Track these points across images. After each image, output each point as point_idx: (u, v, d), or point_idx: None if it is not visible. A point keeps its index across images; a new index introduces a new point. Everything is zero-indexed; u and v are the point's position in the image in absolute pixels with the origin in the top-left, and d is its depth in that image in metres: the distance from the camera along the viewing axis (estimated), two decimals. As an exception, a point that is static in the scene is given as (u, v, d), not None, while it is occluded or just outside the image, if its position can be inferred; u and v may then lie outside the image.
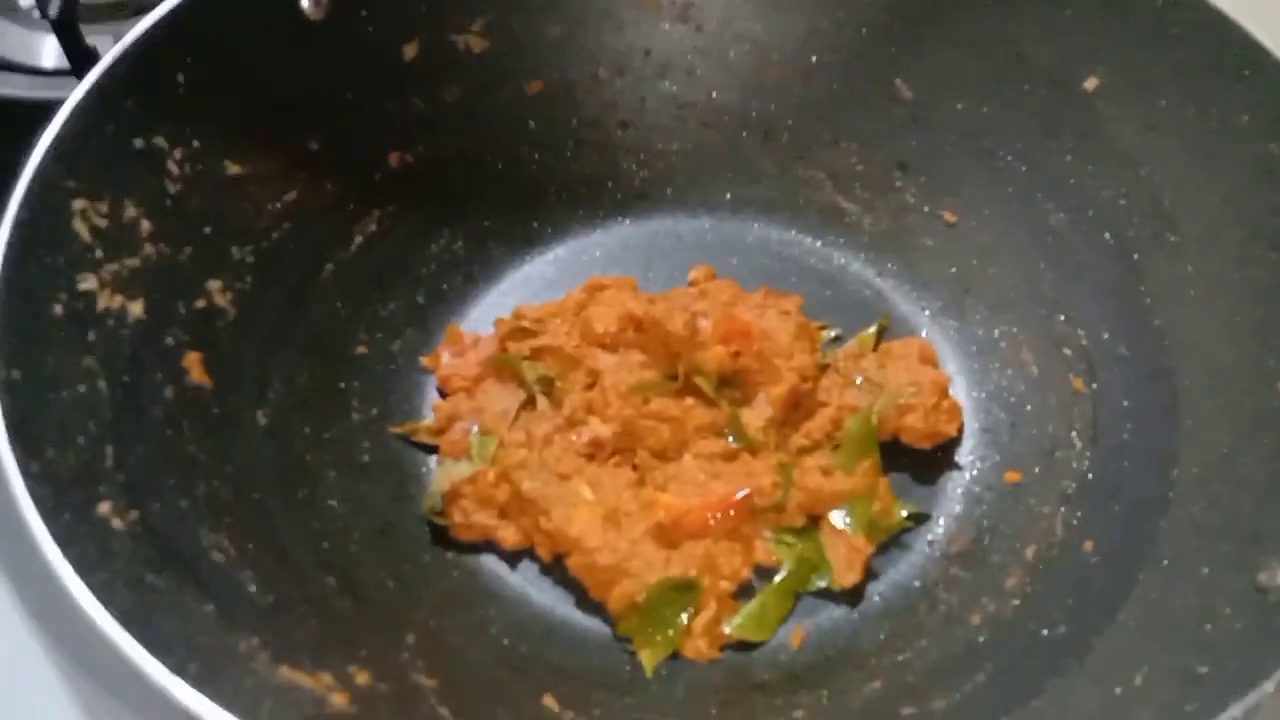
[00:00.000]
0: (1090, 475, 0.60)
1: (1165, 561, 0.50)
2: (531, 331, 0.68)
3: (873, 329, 0.70)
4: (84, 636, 0.55)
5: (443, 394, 0.68)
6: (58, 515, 0.42)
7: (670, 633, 0.57)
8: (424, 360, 0.69)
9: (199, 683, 0.38)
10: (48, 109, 0.55)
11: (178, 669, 0.38)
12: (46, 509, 0.42)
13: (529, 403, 0.66)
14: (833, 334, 0.70)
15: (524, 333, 0.68)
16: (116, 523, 0.45)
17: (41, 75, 0.89)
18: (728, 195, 0.77)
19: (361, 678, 0.47)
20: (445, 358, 0.69)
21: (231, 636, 0.44)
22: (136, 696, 0.56)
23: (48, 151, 0.53)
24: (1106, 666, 0.46)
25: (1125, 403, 0.61)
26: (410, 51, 0.70)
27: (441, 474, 0.63)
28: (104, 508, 0.46)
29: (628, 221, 0.76)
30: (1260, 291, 0.56)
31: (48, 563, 0.40)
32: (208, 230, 0.61)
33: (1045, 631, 0.52)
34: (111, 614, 0.39)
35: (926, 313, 0.72)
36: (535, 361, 0.67)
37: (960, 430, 0.65)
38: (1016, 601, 0.56)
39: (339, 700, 0.44)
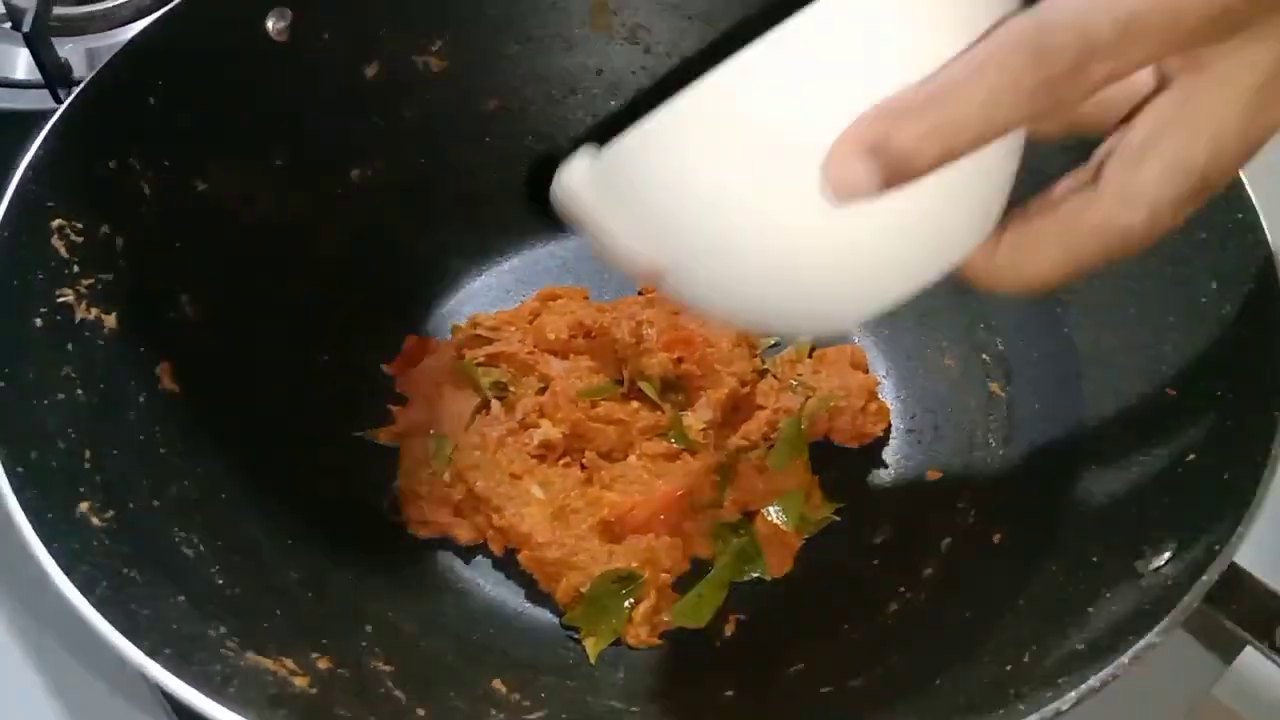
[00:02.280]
0: (1002, 473, 0.65)
1: (1062, 552, 0.55)
2: (486, 339, 0.72)
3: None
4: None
5: (403, 399, 0.72)
6: (42, 514, 0.46)
7: (614, 621, 0.61)
8: (385, 367, 0.73)
9: (172, 665, 0.41)
10: (20, 119, 0.58)
11: (153, 652, 0.42)
12: (32, 509, 0.45)
13: (483, 407, 0.70)
14: (771, 341, 0.74)
15: (479, 340, 0.72)
16: (95, 520, 0.49)
17: (13, 87, 0.92)
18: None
19: (322, 663, 0.51)
20: (403, 365, 0.73)
21: (201, 625, 0.48)
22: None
23: (26, 172, 0.57)
24: (1003, 648, 0.50)
25: (1037, 405, 0.66)
26: (371, 71, 0.74)
27: (401, 475, 0.67)
28: (84, 506, 0.49)
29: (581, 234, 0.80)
30: (1159, 303, 0.60)
31: (35, 557, 0.43)
32: (178, 245, 0.64)
33: (953, 617, 0.57)
34: (92, 603, 0.42)
35: (860, 322, 0.76)
36: (490, 368, 0.71)
37: (887, 430, 0.70)
38: (930, 590, 0.61)
39: (300, 683, 0.48)
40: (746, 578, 0.65)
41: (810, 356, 0.73)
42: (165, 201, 0.64)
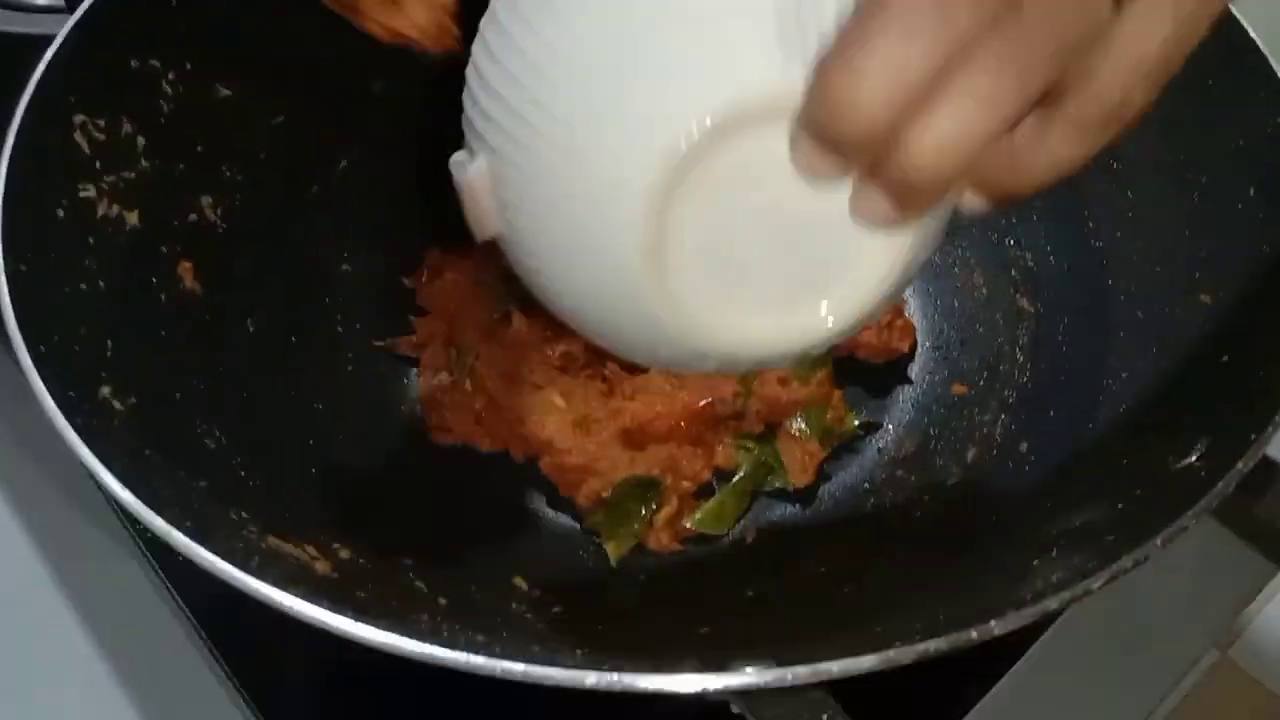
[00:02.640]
0: (1030, 385, 0.64)
1: (1090, 456, 0.54)
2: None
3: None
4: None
5: (423, 312, 0.72)
6: (63, 390, 0.45)
7: (635, 526, 0.61)
8: (406, 280, 0.73)
9: (194, 536, 0.41)
10: (39, 45, 0.57)
11: (175, 522, 0.41)
12: (54, 384, 0.45)
13: (505, 319, 0.69)
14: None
15: (501, 251, 0.71)
16: (116, 405, 0.49)
17: (32, 11, 0.92)
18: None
19: (343, 552, 0.50)
20: (425, 278, 0.73)
21: (222, 508, 0.48)
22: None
23: (49, 66, 0.56)
24: (1028, 544, 0.50)
25: (1065, 318, 0.65)
26: (392, -19, 0.73)
27: (422, 383, 0.67)
28: (105, 391, 0.49)
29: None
30: (1191, 213, 0.59)
31: (56, 429, 0.43)
32: (199, 149, 0.64)
33: (978, 521, 0.56)
34: (114, 473, 0.42)
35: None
36: (512, 280, 0.70)
37: (912, 347, 0.69)
38: (955, 498, 0.60)
39: (322, 567, 0.48)
40: (768, 487, 0.64)
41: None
42: (186, 104, 0.63)
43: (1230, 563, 0.65)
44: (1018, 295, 0.68)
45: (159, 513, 0.41)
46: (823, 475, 0.64)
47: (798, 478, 0.64)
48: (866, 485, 0.64)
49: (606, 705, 0.52)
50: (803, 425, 0.65)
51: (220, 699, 0.62)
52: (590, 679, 0.37)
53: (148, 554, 0.66)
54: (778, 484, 0.64)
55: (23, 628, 0.65)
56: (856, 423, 0.66)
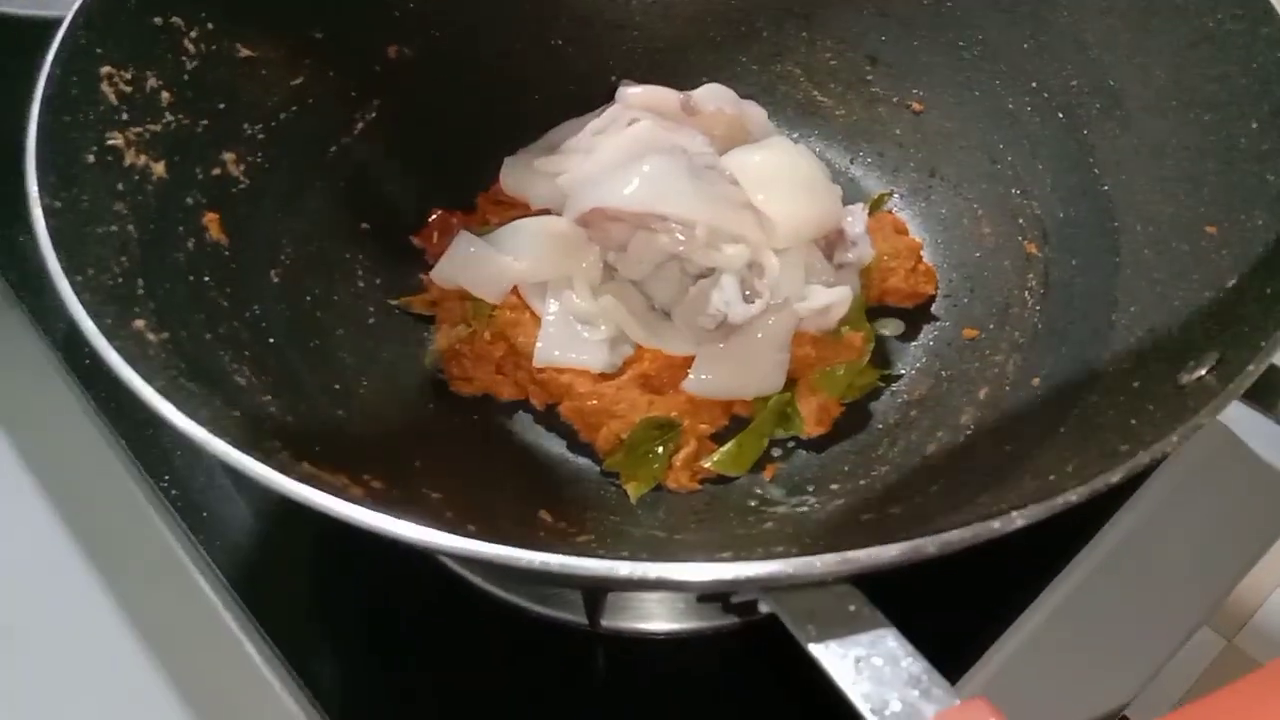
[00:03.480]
0: (1039, 325, 0.65)
1: (1102, 384, 0.55)
2: (509, 203, 0.72)
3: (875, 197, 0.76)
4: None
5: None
6: (102, 317, 0.47)
7: (654, 466, 0.62)
8: (415, 239, 0.74)
9: (236, 446, 0.42)
10: (54, 26, 0.58)
11: (219, 434, 0.42)
12: (93, 311, 0.46)
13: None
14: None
15: (503, 205, 0.72)
16: (151, 337, 0.50)
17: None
18: (709, 90, 0.81)
19: (375, 483, 0.51)
20: (435, 237, 0.74)
21: (257, 436, 0.49)
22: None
23: (75, 16, 0.57)
24: (1044, 466, 0.51)
25: (1073, 260, 0.66)
26: (408, -53, 0.74)
27: (441, 336, 0.68)
28: (139, 324, 0.50)
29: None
30: (1195, 151, 0.60)
31: (99, 350, 0.44)
32: (222, 106, 0.65)
33: (994, 451, 0.57)
34: (157, 389, 0.43)
35: (897, 195, 0.77)
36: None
37: (936, 288, 0.70)
38: (969, 431, 0.61)
39: (356, 492, 0.49)
40: (784, 435, 0.65)
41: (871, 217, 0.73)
42: (209, 62, 0.65)
43: (1230, 530, 0.67)
44: (1025, 241, 0.69)
45: (203, 425, 0.42)
46: (837, 418, 0.65)
47: (813, 428, 0.65)
48: (880, 426, 0.65)
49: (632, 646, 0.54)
50: (826, 383, 0.66)
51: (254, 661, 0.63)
52: (624, 569, 0.38)
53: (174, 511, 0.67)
54: (793, 432, 0.65)
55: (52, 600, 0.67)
56: (878, 377, 0.67)
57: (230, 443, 0.43)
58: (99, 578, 0.66)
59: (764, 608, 0.40)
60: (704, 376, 0.63)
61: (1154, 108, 0.64)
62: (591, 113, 0.74)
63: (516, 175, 0.71)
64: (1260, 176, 0.56)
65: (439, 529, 0.38)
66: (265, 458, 0.43)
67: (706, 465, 0.63)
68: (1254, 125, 0.58)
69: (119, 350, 0.45)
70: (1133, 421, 0.49)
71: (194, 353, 0.52)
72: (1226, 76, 0.60)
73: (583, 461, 0.64)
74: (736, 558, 0.49)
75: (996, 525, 0.39)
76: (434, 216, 0.75)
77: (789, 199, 0.63)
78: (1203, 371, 0.48)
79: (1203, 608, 0.67)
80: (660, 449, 0.62)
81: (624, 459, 0.62)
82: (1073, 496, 0.40)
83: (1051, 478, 0.49)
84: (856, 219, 0.65)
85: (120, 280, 0.52)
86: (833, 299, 0.63)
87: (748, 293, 0.60)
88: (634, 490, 0.62)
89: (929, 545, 0.38)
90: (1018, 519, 0.39)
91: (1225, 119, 0.59)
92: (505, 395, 0.66)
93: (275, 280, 0.64)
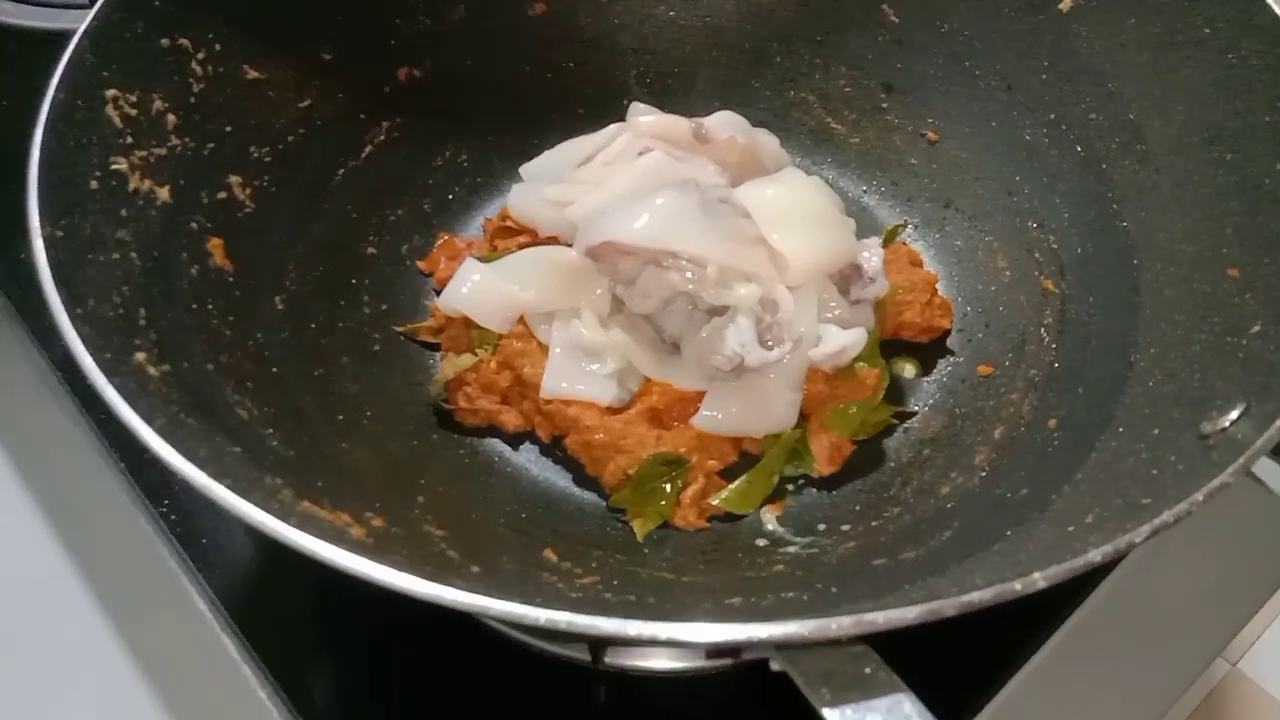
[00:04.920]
0: (1056, 364, 0.64)
1: (1121, 429, 0.54)
2: (517, 230, 0.71)
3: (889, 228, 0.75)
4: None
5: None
6: (101, 352, 0.46)
7: (661, 503, 0.61)
8: (420, 264, 0.73)
9: (234, 490, 0.41)
10: (61, 39, 0.58)
11: (217, 477, 0.41)
12: (91, 344, 0.45)
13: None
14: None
15: (509, 231, 0.71)
16: (151, 370, 0.49)
17: (54, 7, 0.93)
18: (722, 116, 0.80)
19: (377, 521, 0.50)
20: (442, 262, 0.73)
21: (257, 473, 0.47)
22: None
23: (82, 39, 0.57)
24: (1062, 513, 0.50)
25: (1091, 298, 0.65)
26: (420, -30, 0.74)
27: (446, 365, 0.67)
28: (140, 356, 0.49)
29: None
30: (1217, 190, 0.59)
31: (97, 388, 0.43)
32: (228, 129, 0.64)
33: (1009, 495, 0.56)
34: (155, 429, 0.42)
35: (910, 225, 0.76)
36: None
37: (951, 322, 0.69)
38: (984, 473, 0.60)
39: (356, 533, 0.48)
40: (794, 473, 0.64)
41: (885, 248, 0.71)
42: (216, 84, 0.64)
43: (1237, 569, 0.65)
44: (1042, 277, 0.68)
45: (201, 468, 0.41)
46: (849, 457, 0.64)
47: (824, 467, 0.63)
48: (892, 464, 0.64)
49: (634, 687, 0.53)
50: (838, 420, 0.64)
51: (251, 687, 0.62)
52: (633, 629, 0.37)
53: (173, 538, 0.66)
54: (803, 470, 0.64)
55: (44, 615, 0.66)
56: (891, 414, 0.66)
57: (230, 486, 0.42)
58: (98, 601, 0.65)
59: (775, 666, 0.38)
60: (715, 414, 0.62)
61: (1175, 144, 0.63)
62: (601, 130, 0.73)
63: (525, 202, 0.70)
64: (1284, 219, 0.55)
65: (442, 583, 0.37)
66: (265, 500, 0.42)
67: (715, 503, 0.62)
68: (1278, 166, 0.56)
69: (118, 388, 0.44)
70: (1154, 472, 0.48)
71: (195, 384, 0.51)
72: (1249, 114, 0.59)
73: (589, 496, 0.63)
74: (747, 608, 0.48)
75: (1018, 587, 0.38)
76: (441, 241, 0.74)
77: (803, 235, 0.62)
78: (1227, 422, 0.47)
79: (1217, 644, 0.66)
80: (668, 486, 0.61)
81: (631, 495, 0.61)
82: (1096, 556, 0.39)
83: (1070, 528, 0.48)
84: (873, 254, 0.64)
85: (122, 311, 0.51)
86: (847, 341, 0.62)
87: (768, 340, 0.59)
88: (640, 527, 0.60)
89: (948, 608, 0.37)
90: (1040, 580, 0.38)
91: (1248, 158, 0.58)
92: (511, 426, 0.65)
93: (279, 307, 0.63)
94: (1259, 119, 0.58)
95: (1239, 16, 0.61)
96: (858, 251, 0.64)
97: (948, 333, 0.70)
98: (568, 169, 0.72)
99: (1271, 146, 0.57)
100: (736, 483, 0.63)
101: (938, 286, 0.71)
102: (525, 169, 0.74)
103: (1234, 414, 0.47)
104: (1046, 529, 0.49)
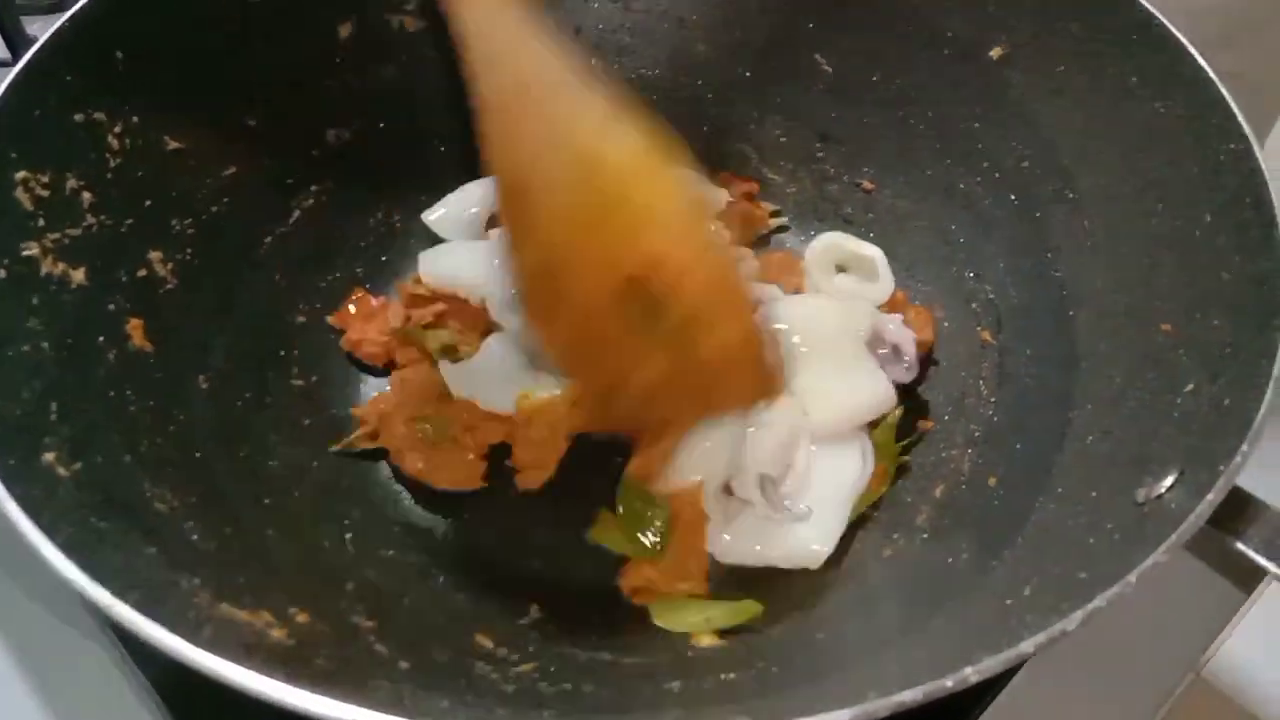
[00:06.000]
0: (995, 418, 0.63)
1: (1060, 489, 0.54)
2: (431, 298, 0.70)
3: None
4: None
5: (353, 359, 0.70)
6: (5, 458, 0.44)
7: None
8: (330, 319, 0.71)
9: (140, 607, 0.40)
10: None
11: (119, 594, 0.40)
12: (-8, 453, 0.43)
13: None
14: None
15: (423, 300, 0.70)
16: (61, 471, 0.47)
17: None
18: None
19: (301, 617, 0.49)
20: (355, 327, 0.70)
21: (173, 575, 0.46)
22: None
23: (-13, 119, 0.55)
24: (1001, 584, 0.49)
25: (1028, 350, 0.64)
26: (345, 30, 0.72)
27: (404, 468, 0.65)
28: (48, 457, 0.47)
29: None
30: (1150, 240, 0.59)
31: (-2, 504, 0.42)
32: (148, 203, 0.63)
33: (949, 559, 0.55)
34: (56, 545, 0.41)
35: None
36: (438, 329, 0.69)
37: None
38: (925, 535, 0.59)
39: (278, 634, 0.46)
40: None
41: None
42: (135, 158, 0.62)
43: (1202, 592, 0.65)
44: (980, 328, 0.68)
45: (104, 584, 0.40)
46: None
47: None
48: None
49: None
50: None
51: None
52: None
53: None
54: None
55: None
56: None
57: (139, 598, 0.40)
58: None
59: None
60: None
61: (1106, 192, 0.63)
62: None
63: (437, 268, 0.70)
64: (1215, 273, 0.54)
65: (354, 703, 0.36)
66: (178, 610, 0.41)
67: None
68: (1207, 218, 0.56)
69: (20, 500, 0.42)
70: (1090, 540, 0.48)
71: (110, 481, 0.50)
72: (1179, 163, 0.59)
73: (529, 567, 0.61)
74: (687, 693, 0.47)
75: (949, 684, 0.37)
76: (354, 298, 0.72)
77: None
78: (1162, 488, 0.47)
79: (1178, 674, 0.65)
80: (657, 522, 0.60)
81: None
82: (1029, 647, 0.39)
83: (1009, 601, 0.47)
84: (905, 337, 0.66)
85: (31, 410, 0.49)
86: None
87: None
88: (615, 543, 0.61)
89: (880, 709, 0.36)
90: (972, 675, 0.37)
91: (1178, 208, 0.58)
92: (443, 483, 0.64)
93: (203, 386, 0.61)
94: (1188, 169, 0.58)
95: (1165, 67, 0.61)
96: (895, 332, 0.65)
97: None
98: (468, 215, 0.72)
99: (1200, 197, 0.57)
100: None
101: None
102: (428, 217, 0.74)
103: (1168, 480, 0.47)
104: (984, 603, 0.48)
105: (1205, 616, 0.65)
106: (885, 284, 0.72)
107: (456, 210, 0.76)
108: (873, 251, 0.73)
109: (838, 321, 0.67)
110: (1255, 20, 0.81)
